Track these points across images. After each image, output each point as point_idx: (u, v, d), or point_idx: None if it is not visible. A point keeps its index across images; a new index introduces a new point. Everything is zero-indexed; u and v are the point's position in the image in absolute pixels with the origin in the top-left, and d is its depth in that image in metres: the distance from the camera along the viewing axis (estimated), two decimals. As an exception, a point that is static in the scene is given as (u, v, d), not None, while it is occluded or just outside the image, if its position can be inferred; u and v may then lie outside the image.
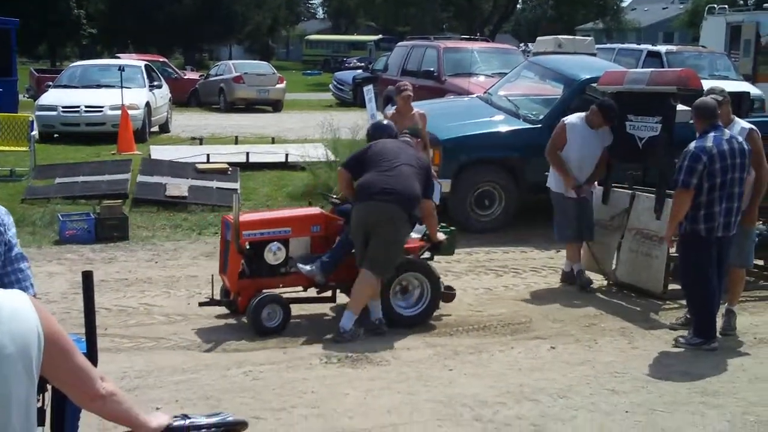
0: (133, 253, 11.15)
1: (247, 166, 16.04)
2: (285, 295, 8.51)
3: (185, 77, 35.46)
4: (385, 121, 9.60)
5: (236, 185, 14.34)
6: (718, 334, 8.25)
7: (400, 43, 24.31)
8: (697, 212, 7.84)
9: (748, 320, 8.87)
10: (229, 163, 15.41)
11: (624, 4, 68.61)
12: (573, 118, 10.11)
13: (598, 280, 10.36)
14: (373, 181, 8.13)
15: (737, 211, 7.97)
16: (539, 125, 12.17)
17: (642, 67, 19.23)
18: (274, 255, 8.42)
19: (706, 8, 31.19)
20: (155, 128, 22.85)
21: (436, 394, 6.76)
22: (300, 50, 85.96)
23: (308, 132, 21.45)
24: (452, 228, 9.43)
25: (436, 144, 11.72)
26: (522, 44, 43.68)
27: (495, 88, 14.44)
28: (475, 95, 14.96)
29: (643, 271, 9.61)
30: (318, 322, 8.62)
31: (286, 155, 16.58)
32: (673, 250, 8.96)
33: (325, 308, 8.97)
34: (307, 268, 8.31)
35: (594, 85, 11.75)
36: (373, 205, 8.04)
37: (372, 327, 8.24)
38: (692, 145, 7.84)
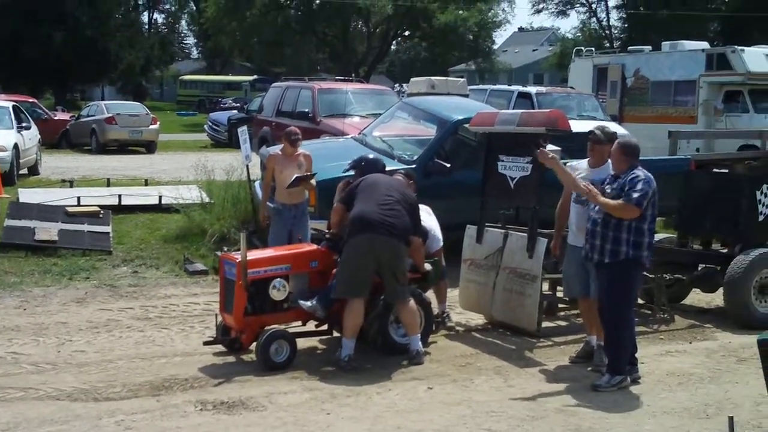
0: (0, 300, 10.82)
1: (120, 209, 15.73)
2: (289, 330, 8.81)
3: (56, 118, 34.67)
4: (372, 155, 10.19)
5: (108, 228, 14.07)
6: (588, 370, 8.45)
7: (275, 84, 24.23)
8: (641, 238, 7.84)
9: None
10: (101, 206, 15.12)
11: (495, 47, 69.87)
12: None
13: (473, 318, 10.46)
14: (371, 213, 8.58)
15: None
16: (413, 165, 12.26)
17: (513, 108, 19.63)
18: (278, 291, 8.71)
19: (574, 50, 32.18)
20: (24, 170, 22.31)
21: (314, 439, 6.70)
22: (174, 90, 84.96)
23: (182, 173, 21.18)
24: (435, 258, 9.66)
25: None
26: (396, 85, 44.11)
27: (369, 129, 14.51)
28: (349, 136, 14.99)
29: (517, 309, 9.72)
30: (192, 367, 8.47)
31: (160, 197, 16.32)
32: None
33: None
34: (308, 303, 8.67)
35: (466, 125, 11.91)
36: (381, 240, 8.52)
37: (340, 364, 8.47)
38: (639, 172, 7.82)
